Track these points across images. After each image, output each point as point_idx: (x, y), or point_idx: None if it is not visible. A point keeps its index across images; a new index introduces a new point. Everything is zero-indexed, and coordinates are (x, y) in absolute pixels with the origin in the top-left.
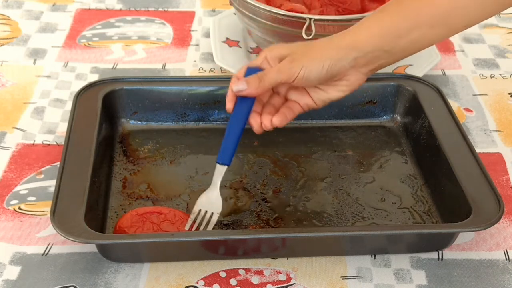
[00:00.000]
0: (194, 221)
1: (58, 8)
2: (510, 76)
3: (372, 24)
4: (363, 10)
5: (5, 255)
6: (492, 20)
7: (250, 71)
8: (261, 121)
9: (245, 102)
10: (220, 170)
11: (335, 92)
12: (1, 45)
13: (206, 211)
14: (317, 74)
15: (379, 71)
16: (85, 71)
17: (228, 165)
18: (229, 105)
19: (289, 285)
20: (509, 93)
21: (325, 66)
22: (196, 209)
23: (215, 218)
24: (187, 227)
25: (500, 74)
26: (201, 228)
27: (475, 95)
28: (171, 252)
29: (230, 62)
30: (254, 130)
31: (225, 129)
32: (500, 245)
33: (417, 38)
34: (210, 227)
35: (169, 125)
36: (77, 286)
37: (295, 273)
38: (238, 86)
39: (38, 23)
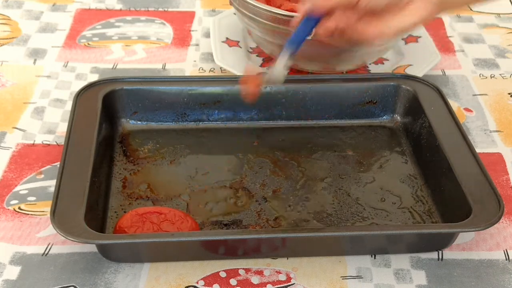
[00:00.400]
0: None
1: (58, 8)
2: (510, 76)
3: None
4: None
5: (5, 255)
6: (492, 20)
7: None
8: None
9: (311, 19)
10: (285, 53)
11: (405, 19)
12: (1, 45)
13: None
14: None
15: (379, 71)
16: (85, 71)
17: (295, 51)
18: (294, 21)
19: (289, 285)
20: (509, 93)
21: None
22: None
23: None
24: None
25: (500, 74)
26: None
27: (475, 95)
28: (171, 252)
29: (230, 62)
30: (317, 33)
31: (225, 129)
32: (500, 245)
33: None
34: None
35: (169, 125)
36: (77, 286)
37: (295, 273)
38: (304, 5)
39: (38, 23)
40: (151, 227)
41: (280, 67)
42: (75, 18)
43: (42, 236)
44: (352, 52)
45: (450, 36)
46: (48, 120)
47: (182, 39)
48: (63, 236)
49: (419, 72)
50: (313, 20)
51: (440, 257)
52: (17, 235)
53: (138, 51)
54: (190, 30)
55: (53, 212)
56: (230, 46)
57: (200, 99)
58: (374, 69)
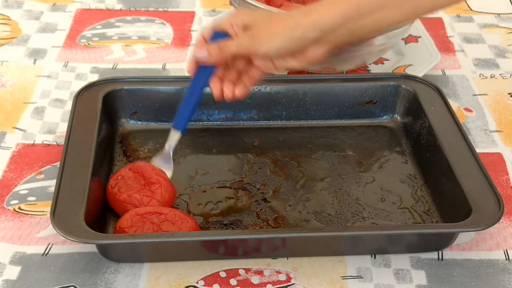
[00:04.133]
0: None
1: (58, 8)
2: (510, 76)
3: (340, 2)
4: None
5: (5, 255)
6: (492, 20)
7: (216, 34)
8: (222, 89)
9: (206, 68)
10: (174, 136)
11: (296, 63)
12: (1, 45)
13: None
14: (276, 51)
15: (379, 71)
16: (85, 71)
17: (182, 133)
18: (191, 67)
19: (289, 285)
20: (509, 93)
21: (285, 44)
22: None
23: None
24: None
25: (500, 74)
26: None
27: (475, 95)
28: (171, 252)
29: None
30: (214, 96)
31: (225, 129)
32: (500, 245)
33: (382, 18)
34: None
35: (169, 125)
36: (77, 286)
37: (295, 273)
38: (198, 54)
39: (38, 23)
40: (151, 227)
41: (169, 156)
42: (75, 18)
43: (42, 236)
44: (352, 52)
45: (450, 36)
46: (48, 120)
47: (182, 39)
48: (63, 236)
49: (419, 72)
50: (209, 67)
51: (440, 257)
52: (17, 235)
53: (138, 51)
54: (190, 30)
55: (53, 212)
56: None
57: (200, 99)
58: (374, 69)
